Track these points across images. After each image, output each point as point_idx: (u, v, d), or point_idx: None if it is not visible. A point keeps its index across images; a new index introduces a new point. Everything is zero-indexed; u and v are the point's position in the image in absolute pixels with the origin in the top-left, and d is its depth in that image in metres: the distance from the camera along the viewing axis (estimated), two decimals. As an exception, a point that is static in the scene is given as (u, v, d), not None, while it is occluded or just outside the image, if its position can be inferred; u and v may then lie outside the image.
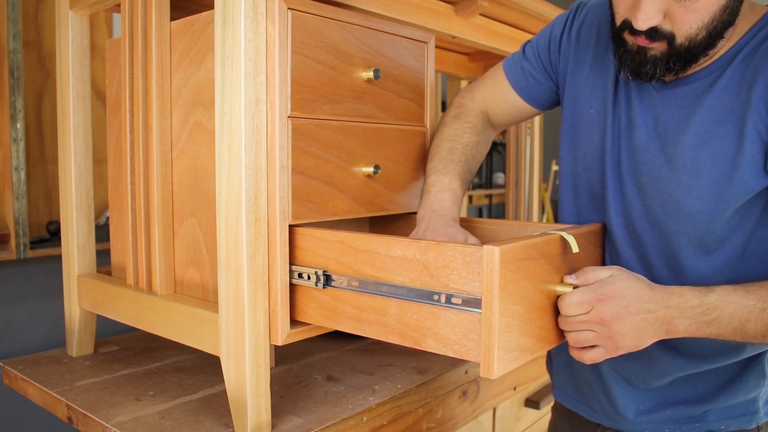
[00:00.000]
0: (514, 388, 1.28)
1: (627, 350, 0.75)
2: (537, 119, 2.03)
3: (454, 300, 0.70)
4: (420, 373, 1.07)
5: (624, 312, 0.73)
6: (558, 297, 0.76)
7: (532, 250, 0.71)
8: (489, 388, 1.21)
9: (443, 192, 0.94)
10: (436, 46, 1.64)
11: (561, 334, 0.78)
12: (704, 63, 0.80)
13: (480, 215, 4.50)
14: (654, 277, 0.84)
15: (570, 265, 0.79)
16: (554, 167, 3.41)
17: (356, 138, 0.91)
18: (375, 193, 0.95)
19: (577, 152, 0.94)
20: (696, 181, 0.79)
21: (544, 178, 3.63)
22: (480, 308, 0.67)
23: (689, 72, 0.81)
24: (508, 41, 1.44)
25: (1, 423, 1.34)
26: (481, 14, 1.33)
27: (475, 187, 4.47)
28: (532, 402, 1.37)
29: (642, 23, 0.75)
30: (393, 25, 0.97)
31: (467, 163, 0.99)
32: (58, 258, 1.18)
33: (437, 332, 0.72)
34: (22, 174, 1.33)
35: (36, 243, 1.40)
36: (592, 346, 0.76)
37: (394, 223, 1.09)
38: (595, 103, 0.91)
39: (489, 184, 4.68)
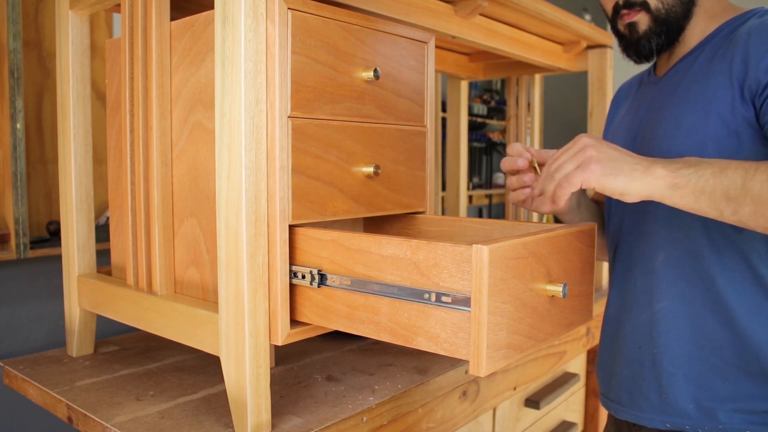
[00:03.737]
0: (514, 388, 1.28)
1: (602, 166, 0.76)
2: (537, 120, 2.03)
3: (444, 299, 0.70)
4: (420, 373, 1.07)
5: (600, 144, 0.77)
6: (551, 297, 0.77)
7: (521, 249, 0.71)
8: (489, 388, 1.21)
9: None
10: (436, 46, 1.64)
11: (551, 332, 0.78)
12: (685, 49, 0.96)
13: (480, 215, 4.51)
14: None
15: (562, 263, 0.80)
16: (554, 167, 3.40)
17: (356, 138, 0.91)
18: (375, 193, 0.95)
19: None
20: (678, 129, 0.90)
21: (544, 178, 3.62)
22: (469, 307, 0.68)
23: (674, 60, 0.98)
24: (508, 41, 1.44)
25: (1, 423, 1.34)
26: (481, 14, 1.34)
27: (475, 187, 4.47)
28: (532, 402, 1.37)
29: None
30: (393, 25, 0.97)
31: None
32: (58, 258, 1.18)
33: (428, 330, 0.72)
34: (22, 174, 1.33)
35: (36, 243, 1.40)
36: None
37: (388, 223, 1.09)
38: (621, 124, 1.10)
39: (489, 184, 4.68)
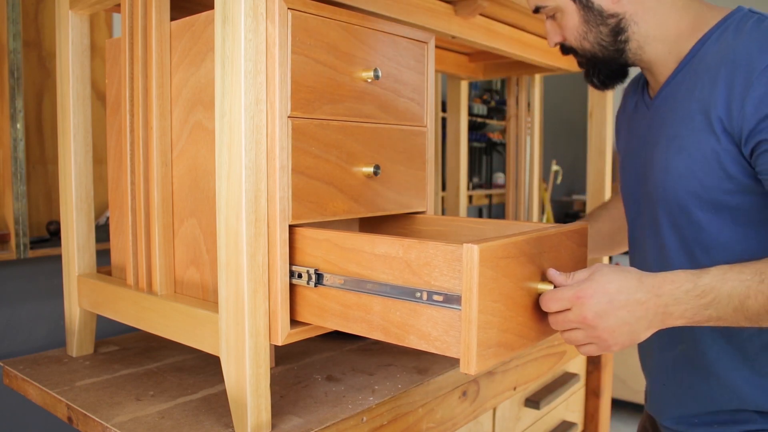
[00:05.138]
0: (514, 388, 1.28)
1: (622, 346, 0.74)
2: (537, 120, 2.03)
3: (435, 297, 0.71)
4: (420, 373, 1.07)
5: (608, 308, 0.72)
6: (539, 295, 0.77)
7: (512, 248, 0.72)
8: (489, 388, 1.21)
9: None
10: (436, 46, 1.64)
11: (544, 331, 0.79)
12: (667, 71, 0.93)
13: (480, 215, 4.51)
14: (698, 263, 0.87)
15: (553, 263, 0.80)
16: (554, 167, 3.41)
17: (356, 138, 0.91)
18: (375, 193, 0.95)
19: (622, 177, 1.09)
20: (667, 175, 0.88)
21: (544, 178, 3.63)
22: (460, 305, 0.68)
23: (660, 82, 0.95)
24: (508, 41, 1.44)
25: (1, 423, 1.34)
26: (481, 14, 1.33)
27: (475, 187, 4.47)
28: (532, 402, 1.37)
29: (549, 42, 1.00)
30: (393, 25, 0.97)
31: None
32: (58, 258, 1.18)
33: (419, 329, 0.73)
34: (22, 174, 1.33)
35: (36, 243, 1.40)
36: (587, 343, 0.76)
37: (387, 223, 1.09)
38: (623, 137, 1.09)
39: (489, 184, 4.68)
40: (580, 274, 0.76)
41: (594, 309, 0.72)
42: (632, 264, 1.04)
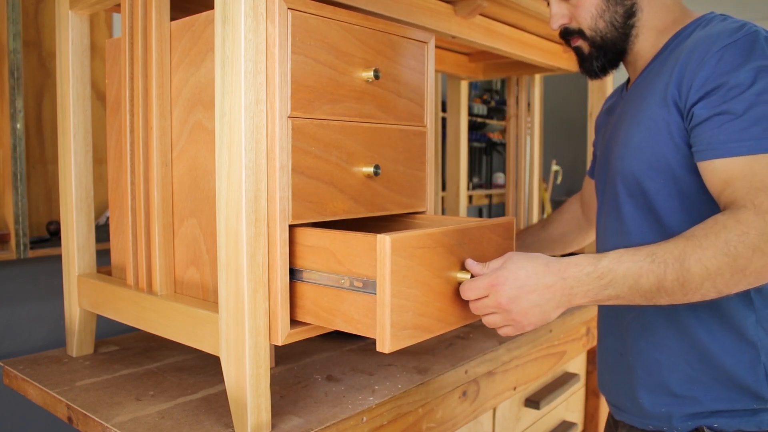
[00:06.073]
0: (514, 388, 1.28)
1: (534, 325, 0.80)
2: (537, 120, 2.03)
3: (356, 283, 0.78)
4: (420, 373, 1.07)
5: (519, 293, 0.78)
6: (459, 284, 0.82)
7: (427, 239, 0.78)
8: (489, 388, 1.21)
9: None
10: (436, 46, 1.64)
11: (464, 316, 0.84)
12: (643, 65, 1.00)
13: (480, 215, 4.51)
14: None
15: (477, 254, 0.85)
16: (554, 167, 3.41)
17: (356, 138, 0.91)
18: (375, 193, 0.95)
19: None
20: (627, 149, 0.94)
21: (544, 178, 3.62)
22: (376, 290, 0.75)
23: (636, 76, 1.02)
24: (507, 41, 1.44)
25: (1, 423, 1.34)
26: (481, 14, 1.34)
27: (475, 187, 4.47)
28: (532, 402, 1.37)
29: (553, 24, 1.02)
30: (393, 25, 0.97)
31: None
32: (58, 258, 1.18)
33: (344, 312, 0.79)
34: (22, 174, 1.33)
35: (36, 243, 1.40)
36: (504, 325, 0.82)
37: (385, 223, 1.09)
38: (600, 137, 1.15)
39: (489, 184, 4.68)
40: (495, 263, 0.81)
41: (507, 294, 0.78)
42: (597, 240, 1.10)
